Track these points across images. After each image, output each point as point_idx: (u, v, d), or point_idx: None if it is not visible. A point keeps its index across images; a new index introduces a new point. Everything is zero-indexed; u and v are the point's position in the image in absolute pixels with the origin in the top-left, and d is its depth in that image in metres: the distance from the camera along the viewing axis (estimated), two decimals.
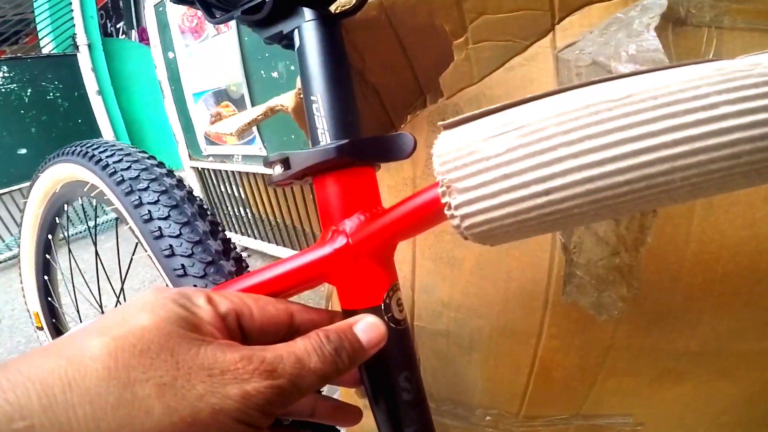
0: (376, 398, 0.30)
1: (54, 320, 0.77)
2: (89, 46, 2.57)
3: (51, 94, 2.45)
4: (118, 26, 4.08)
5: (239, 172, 1.61)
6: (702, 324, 0.41)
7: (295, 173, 0.25)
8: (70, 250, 0.65)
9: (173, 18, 1.68)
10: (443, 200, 0.18)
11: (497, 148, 0.16)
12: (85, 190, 0.46)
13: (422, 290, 0.51)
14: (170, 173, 0.38)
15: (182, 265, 0.30)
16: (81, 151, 0.45)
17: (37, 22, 2.56)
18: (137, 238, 0.35)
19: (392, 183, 0.49)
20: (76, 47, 2.55)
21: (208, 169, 1.77)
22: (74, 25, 2.53)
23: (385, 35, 0.44)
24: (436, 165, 0.17)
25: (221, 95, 1.54)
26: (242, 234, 1.84)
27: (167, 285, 0.32)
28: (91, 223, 0.64)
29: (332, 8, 0.32)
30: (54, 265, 0.71)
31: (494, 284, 0.45)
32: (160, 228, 0.31)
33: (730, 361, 0.43)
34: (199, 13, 1.39)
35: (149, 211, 0.32)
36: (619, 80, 0.16)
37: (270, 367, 0.18)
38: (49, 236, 0.67)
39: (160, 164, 0.39)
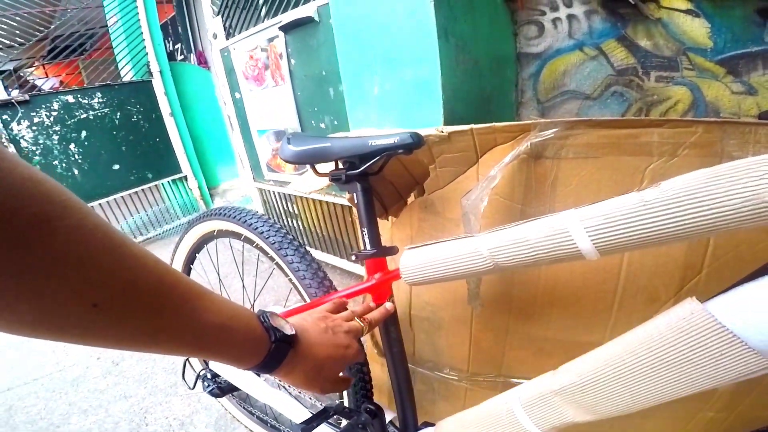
0: (383, 333, 0.71)
1: None
2: (160, 72, 3.05)
3: (135, 117, 2.95)
4: (176, 47, 4.59)
5: (293, 195, 2.05)
6: (553, 321, 0.79)
7: (360, 258, 0.67)
8: (218, 273, 1.08)
9: (238, 64, 2.08)
10: (402, 276, 0.59)
11: (418, 264, 0.57)
12: (242, 238, 0.89)
13: (415, 294, 0.93)
14: (294, 238, 0.79)
15: (309, 283, 0.72)
16: (239, 217, 0.87)
17: (116, 53, 3.03)
18: (282, 270, 0.77)
19: (401, 236, 0.90)
20: (150, 74, 3.03)
21: (269, 190, 2.22)
22: (147, 54, 3.01)
23: (396, 162, 0.84)
24: (401, 266, 0.59)
25: (280, 134, 1.97)
26: None
27: (301, 293, 0.75)
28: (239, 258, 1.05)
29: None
30: (193, 271, 1.15)
31: (450, 293, 0.86)
32: (299, 267, 0.73)
33: (572, 347, 0.80)
34: (260, 64, 1.85)
35: (292, 259, 0.74)
36: (468, 238, 0.56)
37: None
38: (196, 254, 1.11)
39: (287, 232, 0.81)
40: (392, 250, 0.67)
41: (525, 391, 0.61)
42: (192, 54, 4.23)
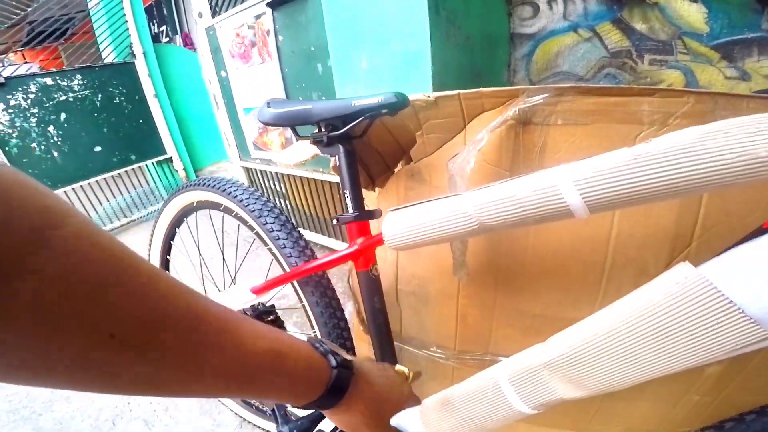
0: (366, 305, 0.69)
1: None
2: (144, 53, 2.97)
3: (117, 99, 2.87)
4: (161, 29, 4.49)
5: (280, 173, 2.02)
6: (541, 295, 0.78)
7: (341, 222, 0.65)
8: (198, 247, 1.05)
9: (224, 43, 2.03)
10: (384, 239, 0.57)
11: (402, 227, 0.55)
12: (221, 208, 0.86)
13: (402, 268, 0.91)
14: (275, 206, 0.76)
15: (289, 252, 0.69)
16: (218, 186, 0.84)
17: (97, 34, 2.94)
18: (262, 239, 0.74)
19: (388, 206, 0.87)
20: (133, 55, 2.96)
21: (255, 169, 2.18)
22: (130, 35, 2.93)
23: (382, 129, 0.81)
24: (383, 229, 0.56)
25: None
26: None
27: (281, 262, 0.72)
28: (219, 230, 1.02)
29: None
30: (174, 247, 1.12)
31: (436, 264, 0.84)
32: (278, 235, 0.70)
33: (560, 324, 0.79)
34: (246, 41, 1.80)
35: (272, 227, 0.71)
36: (453, 197, 0.54)
37: None
38: (176, 229, 1.08)
39: (268, 200, 0.78)
40: (375, 213, 0.65)
41: (512, 364, 0.58)
42: (177, 36, 4.14)
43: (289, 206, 2.13)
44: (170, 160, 3.15)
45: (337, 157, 0.65)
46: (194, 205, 0.95)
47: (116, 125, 2.87)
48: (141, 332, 0.23)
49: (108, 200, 2.89)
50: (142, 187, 3.06)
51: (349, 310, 1.19)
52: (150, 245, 1.13)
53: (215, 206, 0.87)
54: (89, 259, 0.21)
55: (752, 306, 0.42)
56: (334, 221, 0.66)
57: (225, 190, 0.81)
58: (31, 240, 0.19)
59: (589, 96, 0.66)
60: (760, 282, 0.42)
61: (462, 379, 0.80)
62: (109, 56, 2.95)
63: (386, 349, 0.72)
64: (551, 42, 1.30)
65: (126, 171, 2.93)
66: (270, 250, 0.74)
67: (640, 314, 0.47)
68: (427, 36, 1.03)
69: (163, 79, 3.11)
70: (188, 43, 3.93)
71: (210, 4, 2.06)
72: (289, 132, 1.92)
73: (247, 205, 0.75)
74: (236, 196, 0.78)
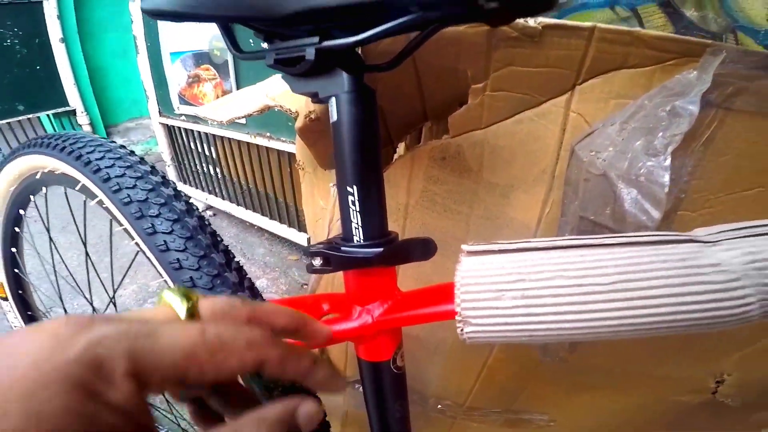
0: (376, 414, 0.33)
1: (20, 291, 0.74)
2: None
3: (8, 41, 2.26)
4: None
5: (212, 134, 1.54)
6: (616, 349, 0.49)
7: (336, 267, 0.27)
8: (50, 237, 0.61)
9: None
10: (458, 326, 0.22)
11: (503, 304, 0.20)
12: (78, 187, 0.44)
13: None
14: (165, 181, 0.36)
15: (191, 277, 0.30)
16: (69, 149, 0.42)
17: None
18: (149, 259, 0.34)
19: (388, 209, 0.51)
20: None
21: (179, 127, 1.68)
22: None
23: (405, 68, 0.43)
24: (458, 294, 0.21)
25: (202, 58, 1.43)
26: (209, 192, 1.76)
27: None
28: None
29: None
30: (21, 238, 0.68)
31: None
32: (179, 258, 0.30)
33: (629, 379, 0.53)
34: None
35: (165, 240, 0.32)
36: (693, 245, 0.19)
37: None
38: (21, 211, 0.63)
39: (153, 170, 0.37)
40: (427, 249, 0.27)
41: None
42: None
43: (220, 174, 1.65)
44: (73, 113, 2.52)
45: (333, 103, 0.26)
46: (38, 177, 0.52)
47: (1, 71, 2.26)
48: None
49: None
50: None
51: None
52: None
53: (70, 183, 0.45)
54: None
55: None
56: (316, 261, 0.26)
57: (80, 156, 0.40)
58: None
59: None
60: None
61: None
62: None
63: None
64: (579, 16, 1.08)
65: (9, 123, 2.32)
66: (165, 283, 0.35)
67: None
68: None
69: (80, 22, 2.51)
70: None
71: None
72: (230, 81, 1.40)
73: (116, 191, 0.35)
74: (99, 169, 0.37)
